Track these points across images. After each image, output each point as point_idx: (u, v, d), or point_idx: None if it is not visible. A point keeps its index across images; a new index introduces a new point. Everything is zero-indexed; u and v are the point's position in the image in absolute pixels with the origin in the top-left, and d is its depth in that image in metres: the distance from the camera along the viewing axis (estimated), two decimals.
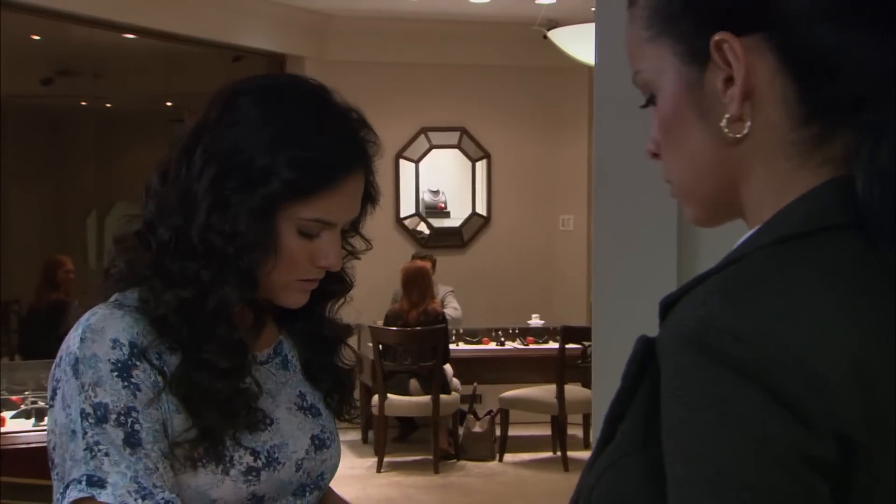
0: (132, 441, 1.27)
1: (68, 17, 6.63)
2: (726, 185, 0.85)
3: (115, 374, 1.28)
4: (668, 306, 0.77)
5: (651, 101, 0.89)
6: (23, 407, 4.57)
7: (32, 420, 4.40)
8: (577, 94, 8.45)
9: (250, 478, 1.34)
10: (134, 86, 9.15)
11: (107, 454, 1.26)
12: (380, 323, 6.93)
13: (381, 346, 6.76)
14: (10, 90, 6.80)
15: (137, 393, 1.28)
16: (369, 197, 1.46)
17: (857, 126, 0.80)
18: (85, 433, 1.26)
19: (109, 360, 1.28)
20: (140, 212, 1.39)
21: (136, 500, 1.25)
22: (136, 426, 1.27)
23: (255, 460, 1.35)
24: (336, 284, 1.51)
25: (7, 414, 4.47)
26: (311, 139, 1.35)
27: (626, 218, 2.06)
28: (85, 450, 1.26)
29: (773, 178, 0.82)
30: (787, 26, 0.80)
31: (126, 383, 1.28)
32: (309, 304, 1.46)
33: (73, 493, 1.25)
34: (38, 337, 6.63)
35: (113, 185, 9.19)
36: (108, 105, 9.30)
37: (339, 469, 1.51)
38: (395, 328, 6.75)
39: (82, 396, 1.27)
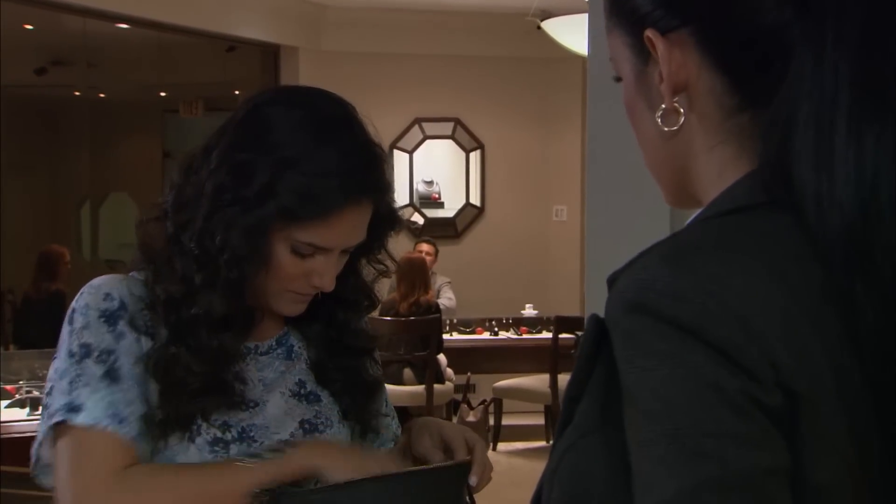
0: (112, 376, 1.33)
1: (62, 6, 6.62)
2: (679, 170, 0.87)
3: (102, 319, 1.35)
4: (613, 282, 0.79)
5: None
6: (17, 396, 4.57)
7: (27, 409, 4.40)
8: (570, 85, 8.45)
9: (217, 448, 1.37)
10: (128, 76, 9.13)
11: (87, 384, 1.32)
12: (375, 313, 6.89)
13: None
14: (4, 80, 6.78)
15: (121, 340, 1.35)
16: (386, 222, 1.45)
17: None
18: (70, 370, 1.34)
19: (99, 308, 1.36)
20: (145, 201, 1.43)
21: (110, 423, 1.31)
22: (117, 364, 1.34)
23: (223, 433, 1.38)
24: (361, 297, 1.53)
25: (2, 403, 4.47)
26: (315, 166, 1.34)
27: (619, 208, 2.07)
28: (69, 383, 1.33)
29: (716, 163, 0.84)
30: (707, 23, 0.82)
31: (111, 328, 1.35)
32: (328, 310, 1.48)
33: (54, 419, 1.32)
34: (34, 327, 6.64)
35: (107, 175, 9.17)
36: (102, 95, 9.27)
37: None
38: (388, 317, 6.76)
39: (72, 339, 1.35)
